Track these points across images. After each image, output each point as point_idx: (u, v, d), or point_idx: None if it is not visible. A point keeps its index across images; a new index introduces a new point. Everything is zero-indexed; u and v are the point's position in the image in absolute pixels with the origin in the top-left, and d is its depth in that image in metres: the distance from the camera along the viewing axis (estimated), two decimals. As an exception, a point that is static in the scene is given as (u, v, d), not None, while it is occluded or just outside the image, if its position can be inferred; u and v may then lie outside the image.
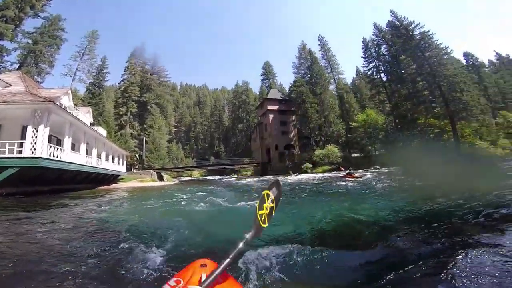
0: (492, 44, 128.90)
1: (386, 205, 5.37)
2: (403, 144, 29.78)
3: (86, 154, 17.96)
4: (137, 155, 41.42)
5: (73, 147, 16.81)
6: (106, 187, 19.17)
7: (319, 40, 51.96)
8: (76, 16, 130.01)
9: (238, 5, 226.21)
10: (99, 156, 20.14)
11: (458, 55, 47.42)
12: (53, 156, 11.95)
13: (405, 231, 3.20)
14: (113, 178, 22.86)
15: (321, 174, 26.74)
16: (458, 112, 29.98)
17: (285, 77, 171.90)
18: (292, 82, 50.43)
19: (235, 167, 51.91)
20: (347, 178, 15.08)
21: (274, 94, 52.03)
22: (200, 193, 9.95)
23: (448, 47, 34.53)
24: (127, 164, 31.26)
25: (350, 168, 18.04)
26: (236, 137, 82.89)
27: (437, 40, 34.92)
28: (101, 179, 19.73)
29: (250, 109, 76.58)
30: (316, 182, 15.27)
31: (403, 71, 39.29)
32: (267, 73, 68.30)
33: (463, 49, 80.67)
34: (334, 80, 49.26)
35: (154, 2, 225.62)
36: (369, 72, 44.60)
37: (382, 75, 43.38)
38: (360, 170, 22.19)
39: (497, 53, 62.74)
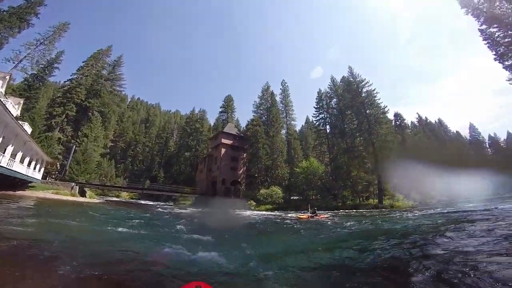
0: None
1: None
2: (337, 192, 33.52)
3: (-2, 150, 14.59)
4: (58, 163, 34.56)
5: (-19, 138, 13.54)
6: (11, 192, 15.22)
7: (281, 85, 54.74)
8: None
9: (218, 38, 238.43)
10: (13, 156, 16.39)
11: (390, 115, 48.62)
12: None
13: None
14: (21, 184, 18.39)
15: (268, 212, 27.53)
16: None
17: (243, 114, 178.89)
18: (249, 120, 52.41)
19: (174, 194, 48.07)
20: (311, 219, 14.46)
21: (230, 128, 52.45)
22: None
23: (386, 106, 36.67)
24: (44, 172, 25.71)
25: (315, 208, 17.22)
26: (180, 164, 78.21)
27: (379, 99, 37.51)
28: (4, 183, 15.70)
29: (202, 139, 75.13)
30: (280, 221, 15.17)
31: (345, 126, 41.74)
32: (227, 106, 69.39)
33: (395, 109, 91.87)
34: (286, 125, 51.69)
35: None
36: (317, 123, 47.25)
37: (327, 127, 45.73)
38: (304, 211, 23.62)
39: (419, 115, 73.58)
